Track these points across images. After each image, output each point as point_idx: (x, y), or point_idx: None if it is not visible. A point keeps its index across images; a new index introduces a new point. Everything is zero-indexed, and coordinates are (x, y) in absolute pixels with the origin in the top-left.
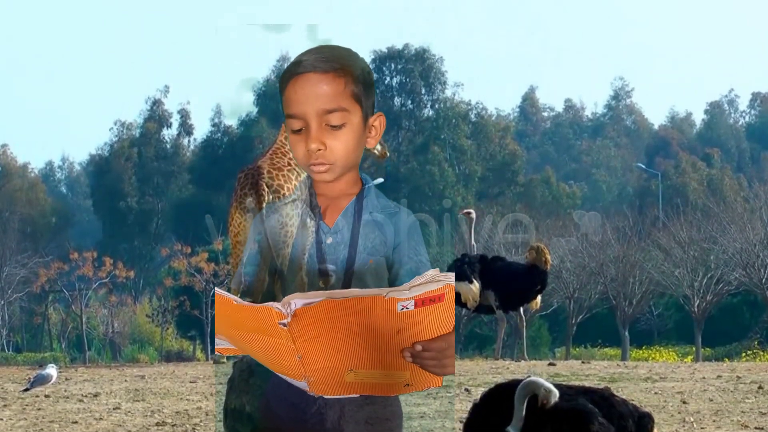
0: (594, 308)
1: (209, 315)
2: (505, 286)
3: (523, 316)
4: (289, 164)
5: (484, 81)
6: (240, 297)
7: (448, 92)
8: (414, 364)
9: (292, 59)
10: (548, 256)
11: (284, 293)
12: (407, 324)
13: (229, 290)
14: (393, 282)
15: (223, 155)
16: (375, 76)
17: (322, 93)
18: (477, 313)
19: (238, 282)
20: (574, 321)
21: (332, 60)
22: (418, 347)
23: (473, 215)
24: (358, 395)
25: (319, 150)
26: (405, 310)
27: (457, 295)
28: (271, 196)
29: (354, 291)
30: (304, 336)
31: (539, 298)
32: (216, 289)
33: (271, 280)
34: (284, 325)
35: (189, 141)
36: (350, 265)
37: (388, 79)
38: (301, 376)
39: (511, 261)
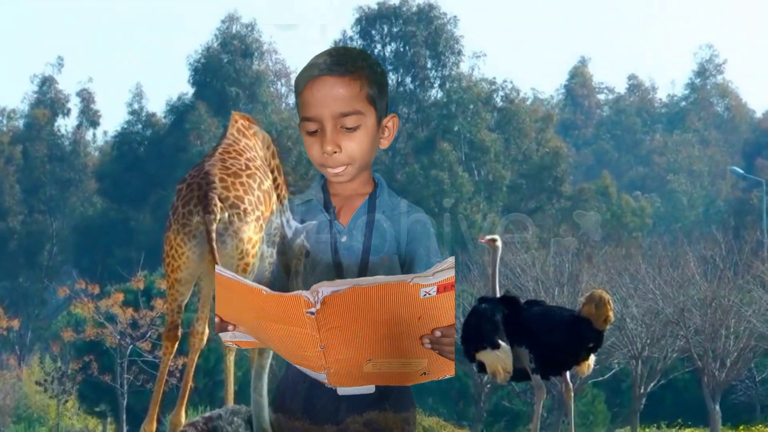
0: (671, 372)
1: (125, 381)
2: (543, 341)
3: (570, 383)
4: (248, 167)
5: (514, 50)
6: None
7: (464, 66)
8: (432, 350)
9: (241, 18)
10: (610, 314)
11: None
12: (428, 310)
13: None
14: None
15: (146, 155)
16: (361, 42)
17: (338, 96)
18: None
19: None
20: (642, 390)
21: (347, 63)
22: (438, 333)
23: (498, 243)
24: (372, 392)
25: (335, 152)
26: (427, 296)
27: (482, 365)
28: (227, 213)
29: (379, 278)
30: (329, 325)
31: (592, 358)
32: (225, 272)
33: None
34: (312, 313)
35: (95, 135)
36: (364, 263)
37: (379, 47)
38: (321, 367)
39: (552, 306)
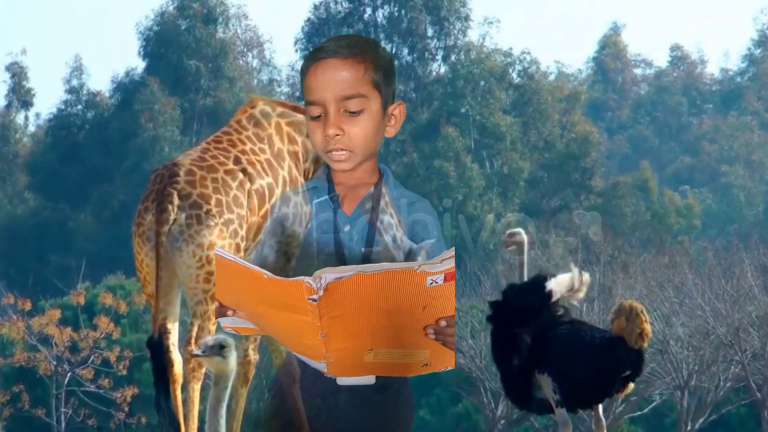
0: (724, 405)
1: (62, 416)
2: (569, 367)
3: (603, 419)
4: (238, 161)
5: (534, 15)
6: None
7: (473, 35)
8: (436, 341)
9: None
10: (646, 326)
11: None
12: (434, 299)
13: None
14: None
15: (87, 142)
16: (347, 6)
17: (341, 79)
18: (525, 411)
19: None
20: (689, 426)
21: (352, 46)
22: (443, 323)
23: (522, 237)
24: (373, 383)
25: (337, 135)
26: (434, 284)
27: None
28: (184, 215)
29: (385, 265)
30: (331, 313)
31: (631, 386)
32: (225, 253)
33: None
34: (314, 300)
35: (27, 117)
36: (367, 253)
37: (369, 12)
38: (321, 356)
39: (581, 323)
